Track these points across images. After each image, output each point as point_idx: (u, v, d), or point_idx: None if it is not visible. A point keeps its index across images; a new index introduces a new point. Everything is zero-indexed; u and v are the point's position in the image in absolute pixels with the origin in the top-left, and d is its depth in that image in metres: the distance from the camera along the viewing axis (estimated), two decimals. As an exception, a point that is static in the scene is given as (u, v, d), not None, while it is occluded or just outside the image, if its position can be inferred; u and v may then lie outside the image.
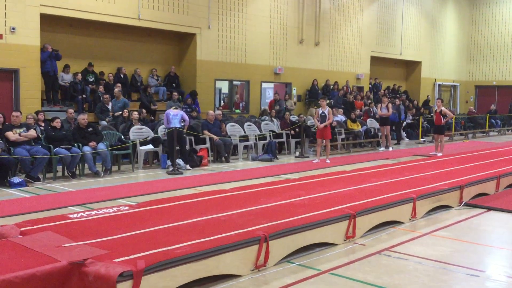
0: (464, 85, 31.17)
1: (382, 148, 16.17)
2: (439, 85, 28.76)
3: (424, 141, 19.27)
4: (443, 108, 14.56)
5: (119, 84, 14.40)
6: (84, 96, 13.84)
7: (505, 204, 8.08)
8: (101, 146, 10.53)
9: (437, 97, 23.56)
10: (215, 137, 12.83)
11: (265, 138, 14.44)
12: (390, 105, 16.51)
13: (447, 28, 29.31)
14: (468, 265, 5.30)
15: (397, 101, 19.94)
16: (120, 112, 13.01)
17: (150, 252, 4.45)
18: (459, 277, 5.01)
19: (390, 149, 16.09)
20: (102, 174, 10.51)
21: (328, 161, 12.89)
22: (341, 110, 17.84)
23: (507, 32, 29.69)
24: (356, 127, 17.03)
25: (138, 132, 12.14)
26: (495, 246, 6.18)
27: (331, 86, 20.54)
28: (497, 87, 30.52)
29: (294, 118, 16.37)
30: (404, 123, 19.82)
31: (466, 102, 31.00)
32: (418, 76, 27.38)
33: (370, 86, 23.46)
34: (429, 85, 27.99)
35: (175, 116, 11.56)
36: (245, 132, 14.42)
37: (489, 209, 7.88)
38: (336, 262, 5.34)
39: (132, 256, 4.30)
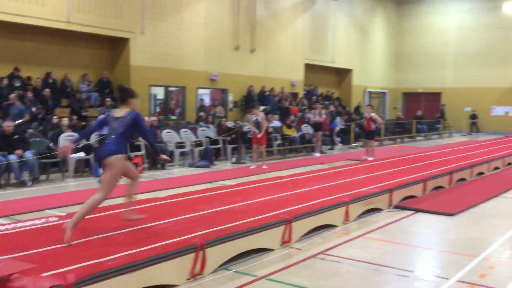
0: (392, 92, 32.56)
1: (317, 154, 16.52)
2: (369, 92, 29.86)
3: (356, 146, 19.90)
4: (373, 114, 15.10)
5: (47, 89, 13.83)
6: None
7: (431, 206, 8.49)
8: (28, 154, 10.04)
9: (367, 104, 24.44)
10: (150, 144, 12.58)
11: (201, 145, 14.36)
12: (323, 111, 16.92)
13: (376, 37, 30.53)
14: (398, 266, 5.51)
15: (332, 107, 20.50)
16: (20, 121, 11.91)
17: (81, 264, 4.28)
18: (390, 278, 5.19)
19: (318, 154, 16.49)
20: (30, 184, 10.02)
21: (264, 166, 13.00)
22: (276, 116, 18.07)
23: (431, 41, 31.35)
24: (292, 133, 17.32)
25: (68, 139, 11.68)
26: (423, 247, 6.46)
27: (267, 92, 20.78)
28: (423, 94, 32.13)
29: (230, 124, 16.40)
30: (337, 128, 20.37)
31: (394, 108, 32.38)
32: (350, 83, 28.30)
33: (305, 92, 23.96)
34: (360, 92, 29.00)
35: (107, 122, 11.23)
36: (181, 139, 14.27)
37: (417, 211, 8.25)
38: (273, 267, 5.38)
39: (61, 270, 4.12)
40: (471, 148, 17.31)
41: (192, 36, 18.03)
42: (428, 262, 5.86)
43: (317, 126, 16.63)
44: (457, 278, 5.12)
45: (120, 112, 5.58)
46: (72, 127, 12.44)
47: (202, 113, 17.41)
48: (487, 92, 29.63)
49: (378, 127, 17.49)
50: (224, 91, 19.87)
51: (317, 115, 16.59)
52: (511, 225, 7.36)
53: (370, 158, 14.43)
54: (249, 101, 19.92)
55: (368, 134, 15.17)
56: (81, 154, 11.51)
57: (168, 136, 14.00)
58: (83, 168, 11.92)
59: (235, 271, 5.24)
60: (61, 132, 11.76)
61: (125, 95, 5.69)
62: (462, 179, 11.39)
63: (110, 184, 5.52)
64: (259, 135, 12.90)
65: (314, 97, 23.29)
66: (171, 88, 18.60)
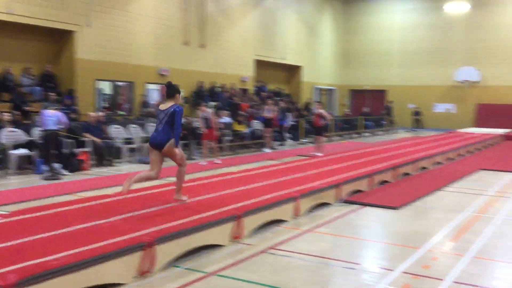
0: (340, 89, 33.22)
1: (267, 150, 16.62)
2: (318, 88, 30.33)
3: (306, 142, 20.17)
4: (321, 111, 15.34)
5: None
6: None
7: (377, 200, 8.74)
8: (-34, 151, 9.56)
9: (316, 100, 24.82)
10: (97, 140, 12.28)
11: (150, 141, 14.12)
12: (274, 107, 17.05)
13: (325, 35, 31.04)
14: (345, 258, 5.64)
15: (282, 104, 20.65)
16: None
17: (24, 264, 4.12)
18: (338, 270, 5.30)
19: (268, 150, 16.62)
20: (-33, 182, 9.55)
21: (218, 161, 13.02)
22: (227, 112, 18.04)
23: (377, 40, 32.19)
24: (242, 129, 17.35)
25: (9, 135, 11.22)
26: (369, 240, 6.64)
27: (218, 88, 20.69)
28: (369, 91, 32.98)
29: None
30: (287, 124, 20.57)
31: (342, 105, 33.07)
32: (299, 79, 28.64)
33: (255, 88, 24.04)
34: (309, 88, 29.40)
35: (51, 117, 10.85)
36: (130, 135, 14.00)
37: (364, 205, 8.46)
38: (223, 263, 5.37)
39: (2, 270, 3.95)
40: (415, 143, 17.91)
41: (140, 30, 17.69)
42: (374, 255, 6.03)
43: (267, 122, 16.75)
44: (402, 270, 5.29)
45: (166, 105, 6.52)
46: (14, 123, 11.94)
47: (152, 109, 17.12)
48: (430, 89, 30.78)
49: (327, 123, 17.79)
50: (173, 87, 19.59)
51: (268, 111, 16.69)
52: (452, 218, 7.67)
53: (319, 154, 14.66)
54: (199, 97, 19.76)
55: (317, 130, 15.40)
56: (23, 151, 11.07)
57: (116, 132, 13.70)
58: (25, 165, 11.47)
59: (185, 268, 5.19)
60: (2, 127, 11.26)
61: (172, 91, 6.60)
62: (406, 174, 11.78)
63: (181, 158, 6.67)
64: (205, 130, 12.94)
65: (264, 93, 23.40)
66: (119, 83, 18.18)
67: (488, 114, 29.07)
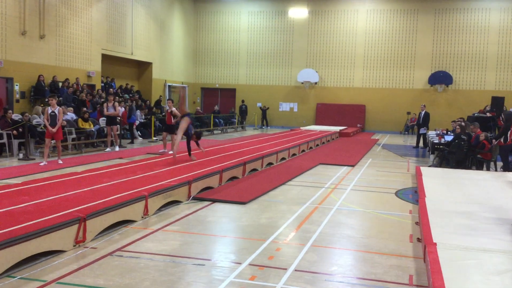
0: (192, 87, 33.40)
1: (108, 149, 15.87)
2: (169, 86, 30.10)
3: (157, 139, 19.86)
4: (173, 109, 15.23)
5: None
6: None
7: (227, 196, 8.95)
8: None
9: (168, 98, 24.59)
10: None
11: (-20, 140, 12.68)
12: (117, 104, 16.35)
13: (175, 32, 30.89)
14: (195, 255, 5.66)
15: (129, 101, 20.01)
16: None
17: None
18: (188, 268, 5.30)
19: (117, 148, 16.02)
20: None
21: (60, 161, 12.15)
22: (71, 109, 16.96)
23: (226, 40, 33.01)
24: (88, 126, 16.45)
25: None
26: (219, 235, 6.75)
27: (60, 83, 19.33)
28: (220, 89, 33.70)
29: (17, 116, 14.83)
30: (137, 122, 20.05)
31: (194, 103, 33.29)
32: (150, 76, 28.10)
33: (103, 84, 22.98)
34: (160, 85, 29.03)
35: None
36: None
37: (214, 201, 8.60)
38: (65, 269, 5.03)
39: None
40: (262, 140, 18.73)
41: (-33, 16, 15.75)
42: (223, 249, 6.14)
43: (110, 120, 15.92)
44: (249, 262, 5.48)
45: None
46: None
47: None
48: (275, 89, 32.47)
49: (178, 121, 17.67)
50: (8, 80, 17.84)
51: (111, 108, 15.94)
52: (295, 210, 8.17)
53: (171, 152, 14.53)
54: (39, 92, 18.29)
55: (168, 128, 15.25)
56: None
57: None
58: None
59: (21, 278, 4.75)
60: None
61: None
62: (254, 169, 12.26)
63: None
64: (53, 130, 11.98)
65: (112, 90, 22.49)
66: None
67: (326, 113, 31.64)
